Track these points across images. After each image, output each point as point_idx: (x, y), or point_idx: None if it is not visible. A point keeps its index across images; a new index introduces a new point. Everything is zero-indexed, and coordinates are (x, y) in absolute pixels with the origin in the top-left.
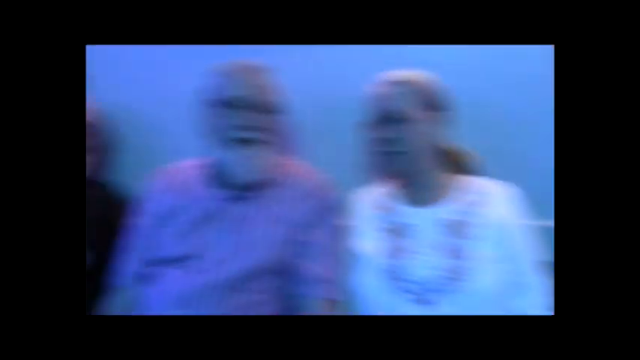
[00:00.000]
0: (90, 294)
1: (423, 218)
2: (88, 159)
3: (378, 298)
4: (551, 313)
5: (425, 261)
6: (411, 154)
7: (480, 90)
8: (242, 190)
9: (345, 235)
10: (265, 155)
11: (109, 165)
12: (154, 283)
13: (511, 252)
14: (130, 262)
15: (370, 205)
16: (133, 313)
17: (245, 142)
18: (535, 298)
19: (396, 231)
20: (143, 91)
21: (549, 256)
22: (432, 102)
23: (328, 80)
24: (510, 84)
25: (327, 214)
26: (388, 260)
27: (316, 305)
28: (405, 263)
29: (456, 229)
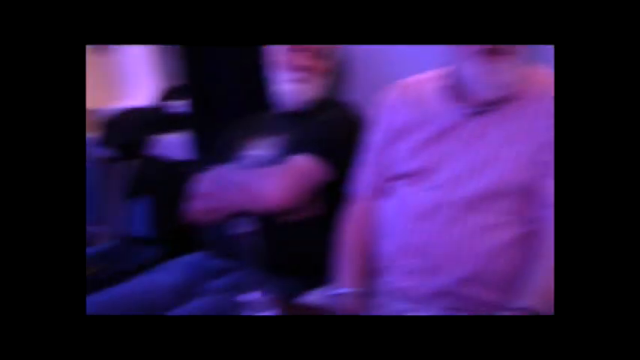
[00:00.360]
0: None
1: None
2: (324, 81)
3: None
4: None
5: None
6: None
7: None
8: (483, 104)
9: None
10: (512, 67)
11: (344, 84)
12: (389, 197)
13: None
14: (365, 176)
15: None
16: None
17: (492, 52)
18: None
19: None
20: None
21: None
22: None
23: None
24: None
25: None
26: None
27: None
28: None
29: None
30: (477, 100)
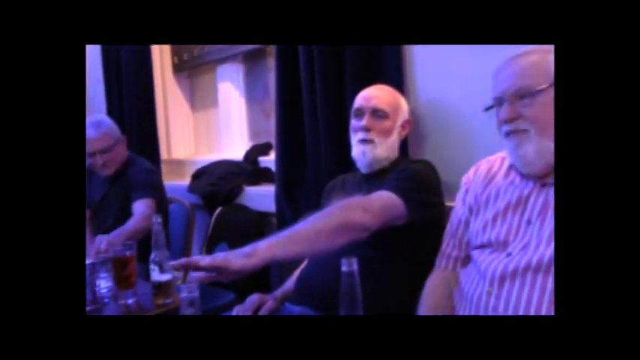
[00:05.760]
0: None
1: None
2: (390, 141)
3: None
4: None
5: None
6: None
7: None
8: (543, 177)
9: None
10: (533, 142)
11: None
12: (469, 265)
13: None
14: (449, 246)
15: None
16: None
17: (508, 134)
18: None
19: None
20: (457, 89)
21: None
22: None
23: None
24: None
25: None
26: None
27: None
28: None
29: None
30: (530, 174)
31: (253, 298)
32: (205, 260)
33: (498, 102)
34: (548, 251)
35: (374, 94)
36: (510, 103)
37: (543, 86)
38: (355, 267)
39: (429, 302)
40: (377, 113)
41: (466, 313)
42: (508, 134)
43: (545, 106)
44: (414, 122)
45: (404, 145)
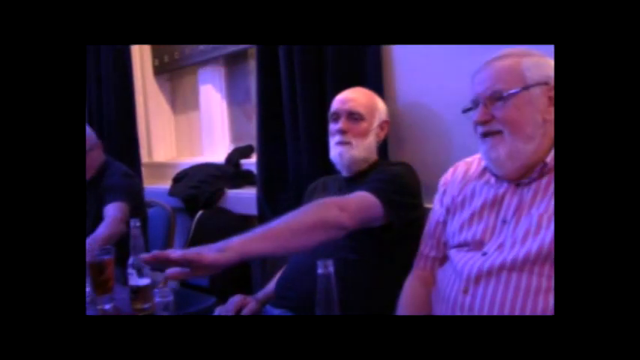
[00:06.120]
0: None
1: None
2: (367, 143)
3: None
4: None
5: None
6: None
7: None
8: (520, 178)
9: None
10: (506, 144)
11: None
12: (446, 266)
13: None
14: (426, 246)
15: None
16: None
17: (483, 136)
18: None
19: None
20: (436, 91)
21: None
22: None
23: None
24: None
25: None
26: None
27: None
28: None
29: None
30: (504, 175)
31: (235, 299)
32: (176, 253)
33: (475, 104)
34: (522, 250)
35: (349, 97)
36: (485, 105)
37: (517, 89)
38: (331, 269)
39: (407, 303)
40: (352, 116)
41: (443, 313)
42: (483, 136)
43: (518, 109)
44: (395, 124)
45: (384, 147)
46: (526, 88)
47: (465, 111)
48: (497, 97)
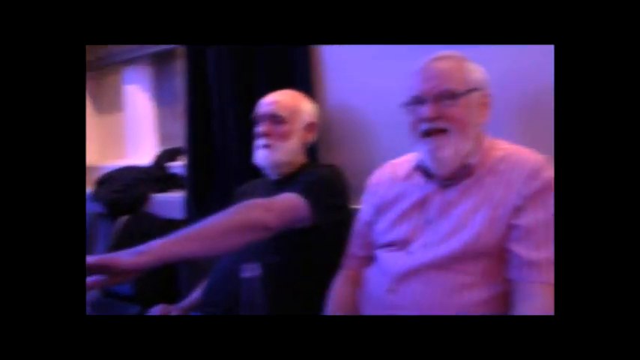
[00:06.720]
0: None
1: None
2: (291, 146)
3: None
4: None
5: None
6: None
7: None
8: (446, 179)
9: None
10: (452, 144)
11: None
12: (374, 265)
13: None
14: (354, 247)
15: None
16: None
17: (428, 134)
18: None
19: None
20: (365, 93)
21: None
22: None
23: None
24: (510, 84)
25: (542, 196)
26: None
27: (532, 290)
28: None
29: None
30: (438, 176)
31: (157, 309)
32: (90, 259)
33: (418, 101)
34: (445, 249)
35: (272, 100)
36: (433, 102)
37: (464, 90)
38: (256, 273)
39: (335, 303)
40: (275, 119)
41: (369, 312)
42: (426, 134)
43: (465, 109)
44: (324, 126)
45: (314, 149)
46: (471, 90)
47: (405, 106)
48: (445, 96)
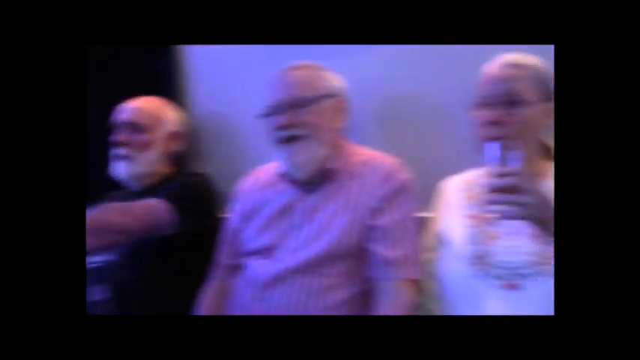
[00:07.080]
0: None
1: None
2: (151, 156)
3: (466, 284)
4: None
5: (513, 246)
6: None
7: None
8: (309, 184)
9: (419, 217)
10: (307, 149)
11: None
12: (241, 273)
13: None
14: (222, 255)
15: (458, 192)
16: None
17: (283, 141)
18: None
19: (484, 217)
20: (232, 99)
21: None
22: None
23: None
24: (372, 91)
25: (397, 197)
26: (476, 246)
27: (391, 287)
28: (493, 249)
29: None
30: (300, 181)
31: None
32: None
33: (274, 110)
34: (308, 253)
35: (130, 107)
36: (288, 111)
37: (317, 96)
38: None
39: (203, 313)
40: (134, 127)
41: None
42: (283, 141)
43: (317, 115)
44: (193, 134)
45: (182, 158)
46: (324, 97)
47: (262, 116)
48: (298, 104)
